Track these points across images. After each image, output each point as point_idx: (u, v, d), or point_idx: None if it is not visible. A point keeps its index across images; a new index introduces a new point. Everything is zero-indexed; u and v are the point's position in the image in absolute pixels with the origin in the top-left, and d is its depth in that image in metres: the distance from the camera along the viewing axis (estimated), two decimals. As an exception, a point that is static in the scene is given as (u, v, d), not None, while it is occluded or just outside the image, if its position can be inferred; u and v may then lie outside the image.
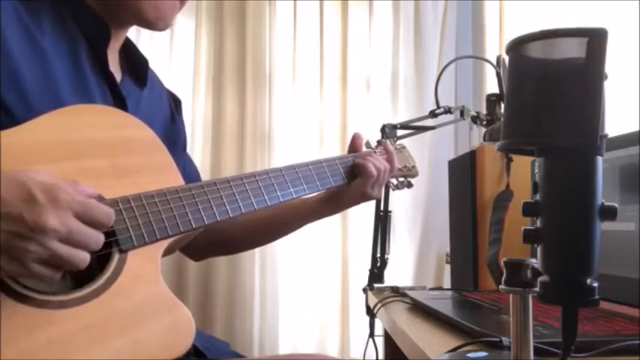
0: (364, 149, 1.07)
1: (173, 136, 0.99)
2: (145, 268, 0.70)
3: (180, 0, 0.87)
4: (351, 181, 0.99)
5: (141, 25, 0.88)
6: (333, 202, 1.01)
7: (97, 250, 0.63)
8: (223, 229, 1.02)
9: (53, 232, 0.58)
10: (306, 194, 0.94)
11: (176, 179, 0.78)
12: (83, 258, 0.61)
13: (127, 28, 0.90)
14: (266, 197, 0.87)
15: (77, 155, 0.70)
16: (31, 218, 0.57)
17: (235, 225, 0.99)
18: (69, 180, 0.63)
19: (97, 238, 0.63)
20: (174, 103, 1.03)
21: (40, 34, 0.74)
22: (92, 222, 0.62)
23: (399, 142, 1.40)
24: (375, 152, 1.07)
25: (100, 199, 0.69)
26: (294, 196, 0.91)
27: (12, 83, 0.69)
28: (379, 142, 1.14)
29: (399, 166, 1.09)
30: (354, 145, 1.06)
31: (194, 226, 0.77)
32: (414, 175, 1.13)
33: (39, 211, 0.57)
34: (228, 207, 0.81)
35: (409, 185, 1.12)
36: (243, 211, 0.83)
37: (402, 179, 1.11)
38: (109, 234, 0.68)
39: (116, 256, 0.69)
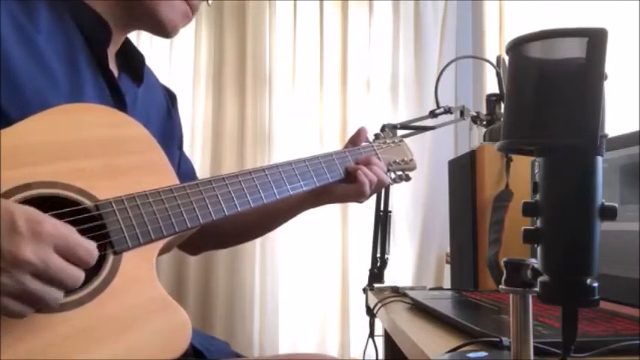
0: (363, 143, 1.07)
1: (169, 131, 0.99)
2: (140, 270, 0.70)
3: (191, 13, 0.88)
4: (347, 182, 1.00)
5: (150, 27, 0.87)
6: (326, 197, 1.02)
7: (75, 287, 0.61)
8: (215, 224, 1.01)
9: (28, 265, 0.55)
10: (303, 190, 0.93)
11: (171, 179, 0.77)
12: (55, 297, 0.59)
13: (128, 31, 0.89)
14: (262, 195, 0.86)
15: (70, 155, 0.69)
16: (7, 248, 0.55)
17: (227, 219, 0.98)
18: (64, 223, 0.61)
19: (76, 277, 0.59)
20: (170, 97, 1.03)
21: (35, 32, 0.74)
22: (73, 258, 0.59)
23: (398, 134, 1.40)
24: (374, 148, 1.06)
25: (94, 200, 0.69)
26: (291, 192, 0.91)
27: (5, 81, 0.68)
28: (376, 136, 1.14)
29: (397, 160, 1.09)
30: (356, 138, 1.06)
31: (189, 225, 0.76)
32: (412, 169, 1.12)
33: (17, 242, 0.55)
34: (223, 205, 0.80)
35: (407, 179, 1.11)
36: (239, 209, 0.82)
37: (399, 173, 1.10)
38: (104, 235, 0.67)
39: (111, 258, 0.68)
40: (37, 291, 0.57)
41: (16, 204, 0.59)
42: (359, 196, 1.00)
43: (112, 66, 0.86)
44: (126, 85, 0.88)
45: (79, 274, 0.60)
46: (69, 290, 0.61)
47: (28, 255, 0.55)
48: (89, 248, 0.61)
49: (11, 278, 0.55)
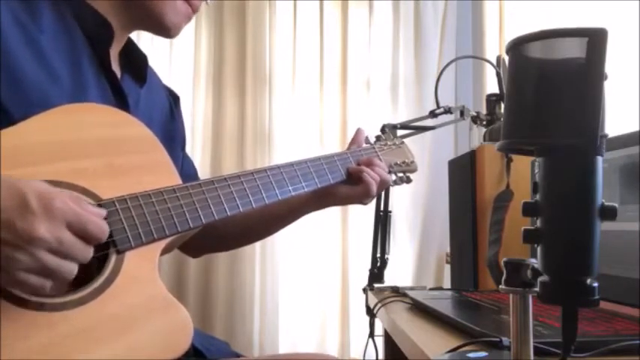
0: (364, 145, 1.08)
1: (172, 132, 0.99)
2: (142, 269, 0.70)
3: (192, 13, 0.88)
4: (351, 184, 1.00)
5: (153, 28, 0.87)
6: (329, 199, 1.01)
7: (85, 262, 0.63)
8: (216, 225, 1.01)
9: (42, 242, 0.57)
10: (305, 191, 0.94)
11: (173, 178, 0.77)
12: (71, 270, 0.61)
13: (130, 31, 0.89)
14: (264, 195, 0.86)
15: (72, 155, 0.69)
16: (21, 226, 0.56)
17: (228, 221, 0.98)
18: (74, 194, 0.63)
19: (87, 252, 0.62)
20: (173, 99, 1.03)
21: (38, 32, 0.74)
22: (84, 234, 0.61)
23: (398, 134, 1.40)
24: (375, 149, 1.07)
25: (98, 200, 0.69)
26: (293, 193, 0.91)
27: (8, 81, 0.69)
28: (377, 138, 1.14)
29: (398, 162, 1.09)
30: (355, 140, 1.07)
31: (191, 225, 0.76)
32: (413, 171, 1.12)
33: (30, 220, 0.57)
34: (225, 205, 0.81)
35: (408, 180, 1.11)
36: (240, 209, 0.82)
37: (400, 174, 1.10)
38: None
39: (113, 257, 0.68)
40: (53, 264, 0.59)
41: (26, 181, 0.60)
42: (365, 197, 1.00)
43: (115, 66, 0.86)
44: (129, 85, 0.88)
45: (89, 251, 0.62)
46: (80, 264, 0.62)
47: (42, 232, 0.57)
48: (99, 224, 0.63)
49: (27, 255, 0.57)
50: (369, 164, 1.01)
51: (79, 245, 0.61)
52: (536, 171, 0.47)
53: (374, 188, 0.98)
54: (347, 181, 1.00)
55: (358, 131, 1.08)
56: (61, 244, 0.59)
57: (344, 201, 1.02)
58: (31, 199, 0.58)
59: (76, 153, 0.70)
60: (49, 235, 0.57)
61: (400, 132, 1.44)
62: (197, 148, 2.35)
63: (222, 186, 0.82)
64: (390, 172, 1.06)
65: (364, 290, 1.45)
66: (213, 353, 0.90)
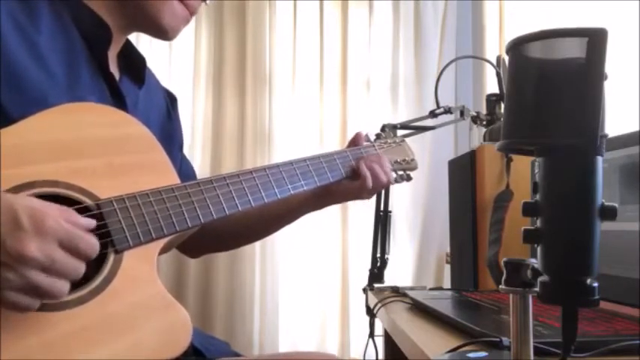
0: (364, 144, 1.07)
1: (170, 133, 0.99)
2: (141, 269, 0.70)
3: (190, 17, 0.88)
4: (349, 179, 0.99)
5: (151, 31, 0.87)
6: (328, 198, 1.01)
7: (77, 279, 0.62)
8: (215, 225, 1.01)
9: (33, 261, 0.56)
10: (304, 189, 0.93)
11: (172, 178, 0.77)
12: (62, 289, 0.60)
13: (129, 33, 0.89)
14: (263, 194, 0.86)
15: (71, 155, 0.69)
16: (12, 245, 0.56)
17: (227, 221, 0.97)
18: (64, 208, 0.62)
19: (78, 270, 0.61)
20: (170, 100, 1.03)
21: (37, 33, 0.74)
22: (76, 252, 0.60)
23: (398, 134, 1.40)
24: (375, 147, 1.07)
25: (97, 211, 0.69)
26: (292, 192, 0.91)
27: (7, 81, 0.69)
28: (378, 136, 1.14)
29: (398, 159, 1.09)
30: (355, 142, 1.06)
31: (190, 224, 0.76)
32: (413, 168, 1.12)
33: (21, 238, 0.56)
34: (224, 205, 0.81)
35: (408, 178, 1.11)
36: (239, 208, 0.82)
37: (401, 172, 1.10)
38: (105, 234, 0.68)
39: (112, 257, 0.68)
40: (44, 284, 0.58)
41: (17, 197, 0.59)
42: (362, 191, 0.99)
43: (113, 68, 0.86)
44: (127, 87, 0.88)
45: (81, 267, 0.62)
46: (71, 282, 0.61)
47: (33, 251, 0.56)
48: (91, 241, 0.62)
49: (17, 274, 0.56)
50: (369, 160, 1.00)
51: (71, 263, 0.60)
52: (536, 171, 0.47)
53: (369, 182, 0.98)
54: (346, 179, 0.99)
55: (358, 135, 1.07)
56: (53, 262, 0.58)
57: (343, 197, 1.01)
58: (23, 216, 0.57)
59: (75, 152, 0.70)
60: (39, 254, 0.57)
61: (400, 132, 1.44)
62: (197, 148, 2.35)
63: (220, 185, 0.81)
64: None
65: (364, 290, 1.45)
66: (213, 353, 0.90)
